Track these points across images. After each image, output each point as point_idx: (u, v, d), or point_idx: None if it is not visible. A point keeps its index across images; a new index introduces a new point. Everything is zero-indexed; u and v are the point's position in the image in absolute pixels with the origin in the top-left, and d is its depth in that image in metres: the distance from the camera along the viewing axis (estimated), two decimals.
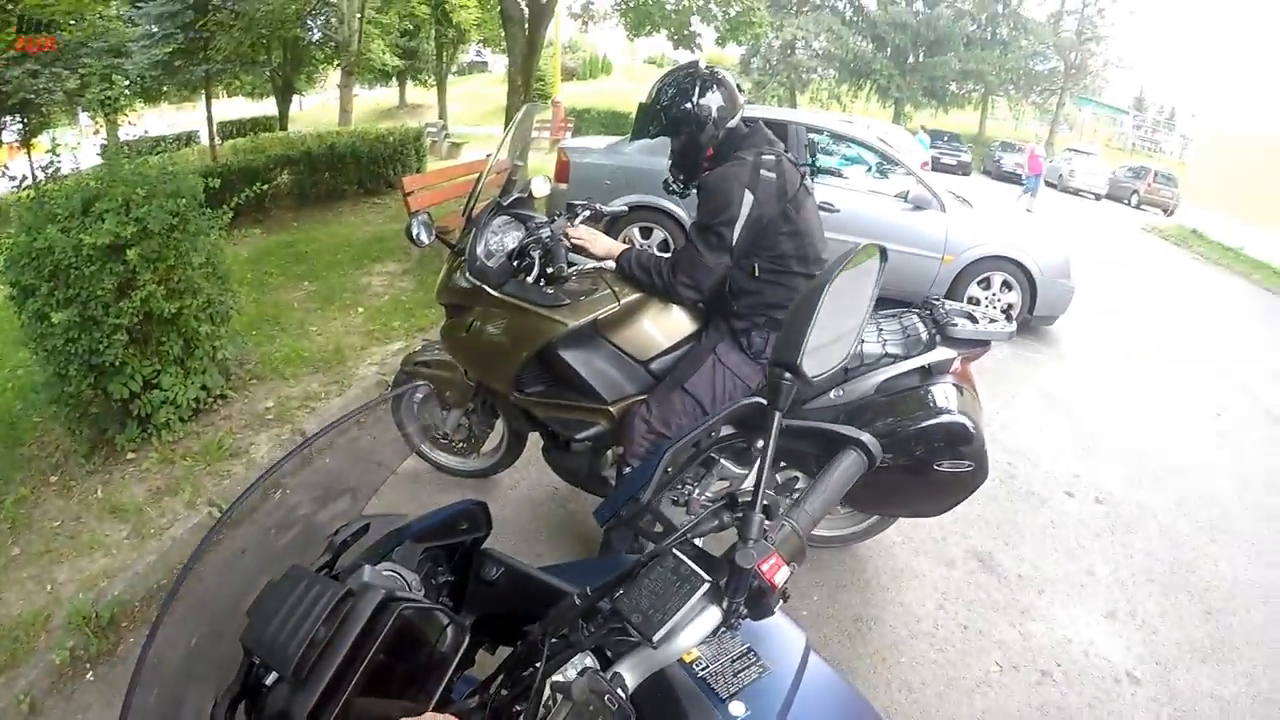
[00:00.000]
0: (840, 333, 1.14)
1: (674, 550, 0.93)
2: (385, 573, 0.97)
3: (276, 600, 0.83)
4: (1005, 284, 7.04)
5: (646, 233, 7.27)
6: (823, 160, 7.67)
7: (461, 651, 0.95)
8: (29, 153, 12.18)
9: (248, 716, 0.87)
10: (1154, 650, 3.29)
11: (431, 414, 3.61)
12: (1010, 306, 7.04)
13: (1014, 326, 3.08)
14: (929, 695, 2.86)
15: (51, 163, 4.52)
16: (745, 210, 2.66)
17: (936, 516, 3.11)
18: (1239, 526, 4.44)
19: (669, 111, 2.82)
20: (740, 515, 0.95)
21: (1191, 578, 3.85)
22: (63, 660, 2.75)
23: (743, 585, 0.88)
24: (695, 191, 2.86)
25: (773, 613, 0.91)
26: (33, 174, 5.58)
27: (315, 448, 1.22)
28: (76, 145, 4.97)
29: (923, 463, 2.71)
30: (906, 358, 2.86)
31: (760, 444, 0.99)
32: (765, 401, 1.02)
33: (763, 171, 2.70)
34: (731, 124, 2.85)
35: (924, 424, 2.70)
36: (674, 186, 3.06)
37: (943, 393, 2.79)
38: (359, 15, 24.21)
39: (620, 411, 2.85)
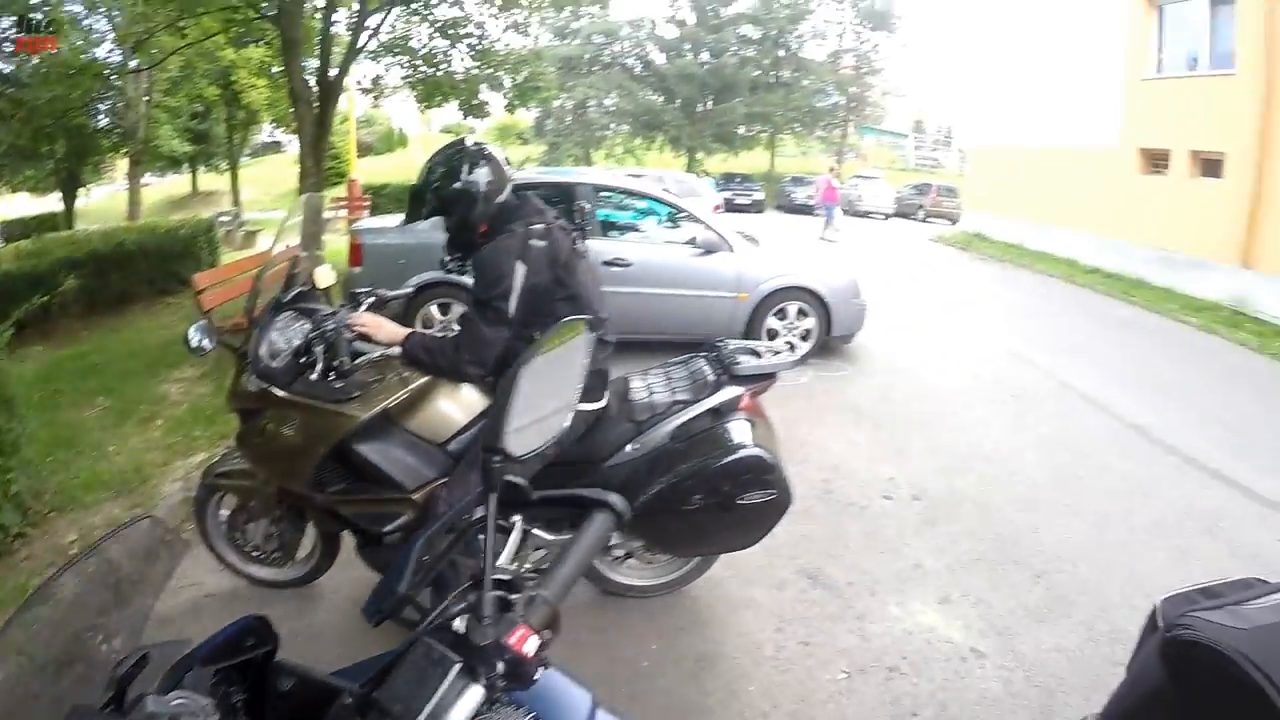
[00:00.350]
0: (551, 409, 1.22)
1: (425, 637, 0.98)
2: (176, 701, 0.94)
3: None
4: (800, 311, 7.44)
5: (445, 309, 7.22)
6: (614, 216, 7.91)
7: None
8: None
9: None
10: (992, 623, 3.49)
11: (239, 526, 3.43)
12: (808, 332, 7.48)
13: (798, 355, 3.30)
14: (783, 716, 2.91)
15: None
16: (519, 281, 2.74)
17: (751, 548, 3.22)
18: (1051, 493, 4.87)
19: (439, 192, 2.87)
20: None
21: (1015, 549, 4.15)
22: None
23: (491, 661, 0.93)
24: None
25: (533, 681, 0.96)
26: None
27: (80, 577, 1.19)
28: None
29: (728, 498, 2.84)
30: (696, 401, 3.00)
31: (516, 519, 1.05)
32: (516, 480, 1.10)
33: (532, 241, 2.78)
34: (501, 198, 2.91)
35: (723, 461, 2.84)
36: (451, 265, 3.09)
37: (737, 429, 2.95)
38: (146, 99, 23.05)
39: (424, 498, 2.81)
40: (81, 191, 28.80)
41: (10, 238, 20.23)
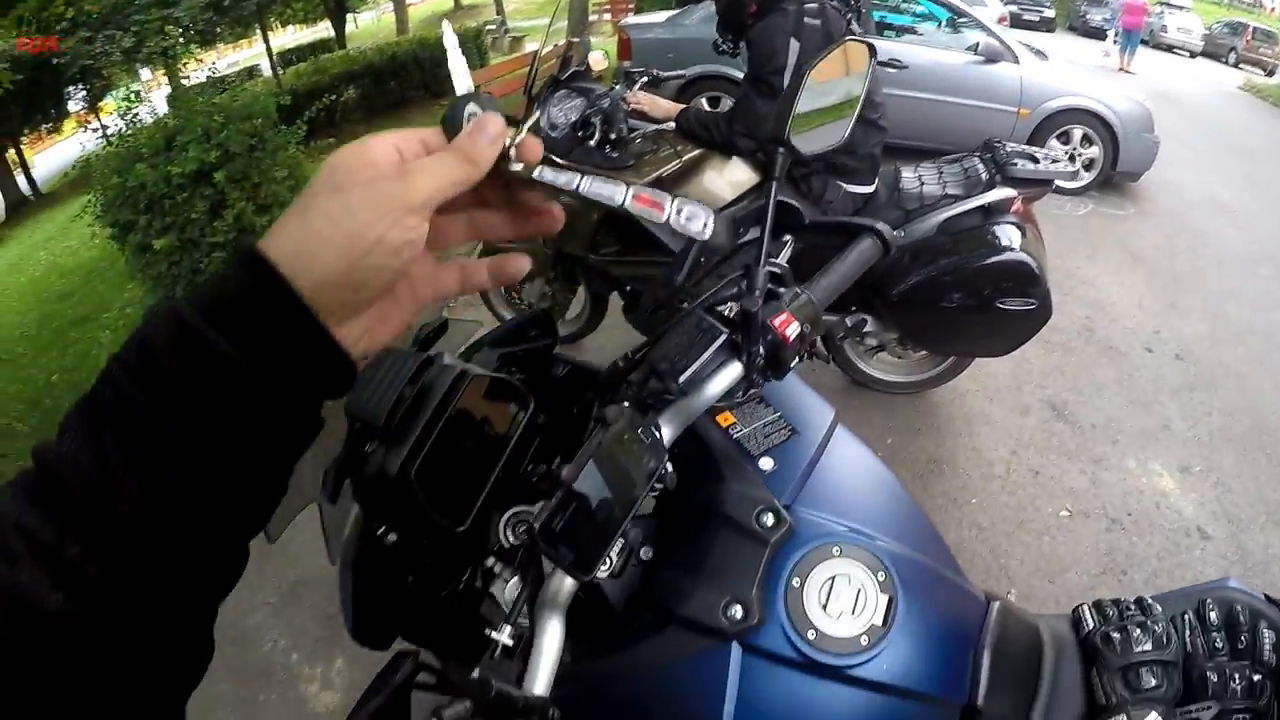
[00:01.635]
0: (833, 116, 1.21)
1: (698, 310, 1.03)
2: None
3: (370, 372, 0.91)
4: (1085, 138, 6.71)
5: (715, 103, 7.10)
6: (891, 17, 7.42)
7: (528, 416, 1.01)
8: (97, 117, 12.20)
9: (351, 482, 0.96)
10: (1226, 508, 3.23)
11: (516, 284, 3.74)
12: (1092, 161, 6.73)
13: (1077, 167, 3.06)
14: (998, 535, 2.93)
15: (129, 109, 4.72)
16: (793, 58, 2.68)
17: (1003, 356, 3.18)
18: None
19: None
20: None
21: (1270, 439, 3.72)
22: None
23: (755, 333, 0.97)
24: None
25: (789, 369, 1.00)
26: (105, 136, 5.79)
27: None
28: (139, 99, 5.06)
29: (987, 300, 2.77)
30: (966, 198, 2.87)
31: (787, 238, 1.08)
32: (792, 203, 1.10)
33: (806, 19, 2.71)
34: None
35: (986, 261, 2.75)
36: (724, 46, 3.08)
37: (1004, 232, 2.82)
38: None
39: None
40: (349, 17, 30.31)
41: (284, 65, 21.84)
